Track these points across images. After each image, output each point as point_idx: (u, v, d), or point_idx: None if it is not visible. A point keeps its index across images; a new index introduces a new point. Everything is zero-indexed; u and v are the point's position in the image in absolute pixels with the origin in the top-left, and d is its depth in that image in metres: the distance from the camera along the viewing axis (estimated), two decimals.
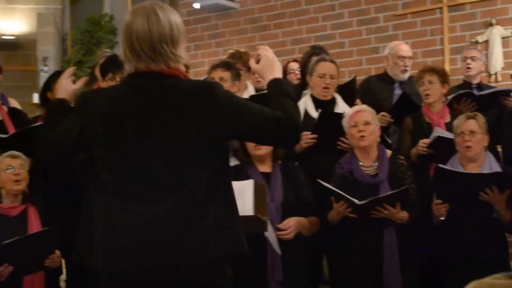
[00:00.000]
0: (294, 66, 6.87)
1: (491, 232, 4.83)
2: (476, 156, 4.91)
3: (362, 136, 4.88)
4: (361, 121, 4.89)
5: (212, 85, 2.84)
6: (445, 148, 5.11)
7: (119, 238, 2.75)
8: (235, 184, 3.21)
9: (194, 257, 2.73)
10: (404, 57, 6.39)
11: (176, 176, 2.75)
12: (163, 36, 2.80)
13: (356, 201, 4.59)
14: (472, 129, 4.88)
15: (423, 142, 5.32)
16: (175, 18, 2.88)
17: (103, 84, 5.32)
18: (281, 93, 2.89)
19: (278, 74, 2.98)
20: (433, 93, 5.55)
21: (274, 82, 2.94)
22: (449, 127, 5.40)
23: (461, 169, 4.88)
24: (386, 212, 4.65)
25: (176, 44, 2.85)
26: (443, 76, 5.60)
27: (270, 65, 2.98)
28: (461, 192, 4.73)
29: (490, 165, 4.91)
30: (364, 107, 5.06)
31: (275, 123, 2.81)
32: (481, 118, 4.96)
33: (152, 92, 2.81)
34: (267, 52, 3.03)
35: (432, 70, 5.60)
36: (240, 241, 2.86)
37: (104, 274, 2.83)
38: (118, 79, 5.12)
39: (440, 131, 5.28)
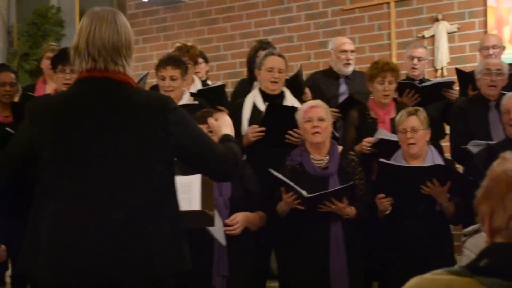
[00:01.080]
0: None
1: (435, 225, 4.89)
2: (419, 151, 4.97)
3: (316, 132, 4.90)
4: (316, 117, 4.91)
5: (166, 100, 2.88)
6: (388, 149, 5.16)
7: (63, 252, 2.73)
8: (182, 179, 3.21)
9: (139, 276, 2.74)
10: (345, 51, 6.41)
11: (122, 191, 2.75)
12: (120, 44, 2.83)
13: (304, 193, 4.62)
14: (414, 126, 4.93)
15: (367, 141, 5.34)
16: (128, 25, 2.92)
17: (54, 76, 5.27)
18: (229, 139, 3.17)
19: (230, 132, 3.29)
20: (391, 93, 5.60)
21: (226, 135, 3.22)
22: (393, 122, 5.44)
23: (404, 164, 4.94)
24: (333, 207, 4.68)
25: (130, 52, 2.89)
26: (398, 74, 5.65)
27: (226, 125, 3.34)
28: (404, 186, 4.79)
29: (432, 158, 4.98)
30: (319, 102, 5.07)
31: (218, 153, 2.97)
32: (422, 113, 5.01)
33: (104, 101, 2.81)
34: (224, 116, 3.51)
35: (393, 69, 5.60)
36: (185, 258, 2.89)
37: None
38: (68, 71, 5.08)
39: (383, 133, 5.30)
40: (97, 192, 2.74)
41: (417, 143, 4.94)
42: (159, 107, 2.81)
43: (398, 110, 5.45)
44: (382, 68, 5.58)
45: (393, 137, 5.20)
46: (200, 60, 6.92)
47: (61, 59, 5.16)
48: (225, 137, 3.19)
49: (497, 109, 5.55)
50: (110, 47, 2.81)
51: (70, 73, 4.99)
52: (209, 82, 6.98)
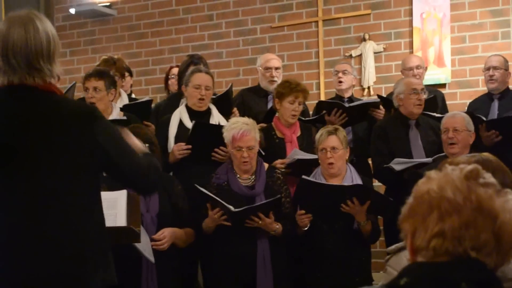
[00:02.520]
0: (176, 71, 6.82)
1: (353, 243, 4.95)
2: (338, 170, 5.03)
3: (245, 162, 4.89)
4: (245, 146, 4.88)
5: (91, 110, 2.85)
6: (303, 168, 5.21)
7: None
8: (108, 194, 3.18)
9: None
10: (270, 68, 6.44)
11: (48, 205, 2.71)
12: (40, 51, 2.75)
13: (231, 208, 4.62)
14: (334, 145, 4.99)
15: (280, 163, 5.33)
16: (52, 30, 2.82)
17: None
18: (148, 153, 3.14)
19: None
20: (299, 114, 5.62)
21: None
22: (300, 141, 5.49)
23: (323, 182, 4.98)
24: (260, 222, 4.69)
25: (52, 58, 2.80)
26: (308, 96, 5.67)
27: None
28: (324, 203, 4.84)
29: (351, 177, 5.05)
30: (250, 127, 4.94)
31: (142, 165, 2.93)
32: (341, 132, 5.08)
33: (27, 110, 2.75)
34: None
35: (304, 90, 5.59)
36: (111, 274, 2.85)
37: None
38: None
39: (298, 153, 5.32)
40: (23, 207, 2.69)
41: (336, 162, 5.00)
42: (85, 117, 2.77)
43: (302, 130, 5.53)
44: (295, 89, 5.57)
45: (309, 156, 5.25)
46: (126, 73, 6.88)
47: None
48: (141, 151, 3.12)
49: (417, 127, 5.67)
50: (28, 54, 2.73)
51: None
52: (133, 96, 6.92)
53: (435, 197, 1.70)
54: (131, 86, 7.22)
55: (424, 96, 5.73)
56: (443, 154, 5.22)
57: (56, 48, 2.82)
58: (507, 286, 2.59)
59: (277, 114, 5.70)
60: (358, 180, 5.03)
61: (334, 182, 5.02)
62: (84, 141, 2.75)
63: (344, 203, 4.79)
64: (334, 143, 4.98)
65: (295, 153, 5.32)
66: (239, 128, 4.91)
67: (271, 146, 5.56)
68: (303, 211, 4.86)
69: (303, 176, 4.91)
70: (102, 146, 2.78)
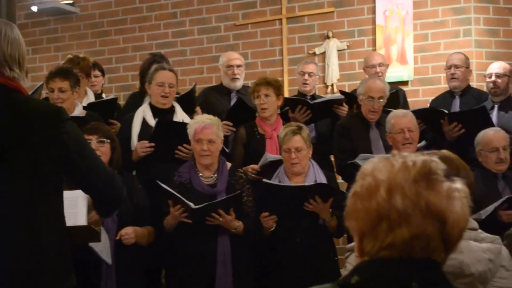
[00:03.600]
0: None
1: (319, 238, 4.96)
2: (302, 169, 5.04)
3: (206, 155, 4.89)
4: (206, 139, 4.89)
5: (59, 111, 2.82)
6: (274, 167, 5.22)
7: None
8: (69, 194, 3.16)
9: None
10: (232, 66, 6.44)
11: (9, 205, 2.69)
12: (13, 56, 2.78)
13: (191, 204, 4.62)
14: (298, 146, 4.99)
15: (252, 168, 5.35)
16: (20, 36, 2.85)
17: None
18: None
19: None
20: (270, 106, 5.61)
21: None
22: None
23: (287, 181, 5.01)
24: (221, 219, 4.69)
25: (22, 62, 2.83)
26: (278, 89, 5.66)
27: None
28: (288, 203, 4.85)
29: (314, 175, 5.06)
30: (212, 121, 4.99)
31: (106, 174, 2.94)
32: (305, 131, 5.08)
33: None
34: None
35: (268, 83, 5.63)
36: (69, 276, 2.84)
37: None
38: None
39: (269, 156, 5.34)
40: None
41: (300, 162, 5.01)
42: (52, 118, 2.76)
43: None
44: (257, 83, 5.66)
45: (279, 157, 5.27)
46: (98, 73, 6.84)
47: None
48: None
49: (377, 127, 5.71)
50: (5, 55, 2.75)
51: None
52: (104, 95, 6.88)
53: (384, 206, 1.68)
54: (102, 85, 7.17)
55: (382, 103, 5.75)
56: None
57: (24, 52, 2.85)
58: (465, 282, 2.63)
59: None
60: (321, 176, 5.05)
61: (297, 180, 5.04)
62: (49, 142, 2.73)
63: (307, 202, 4.80)
64: (298, 143, 4.99)
65: (266, 157, 5.32)
66: (201, 122, 4.96)
67: (253, 142, 5.62)
68: (267, 213, 4.86)
69: (264, 180, 4.92)
70: (68, 149, 2.76)
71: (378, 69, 6.57)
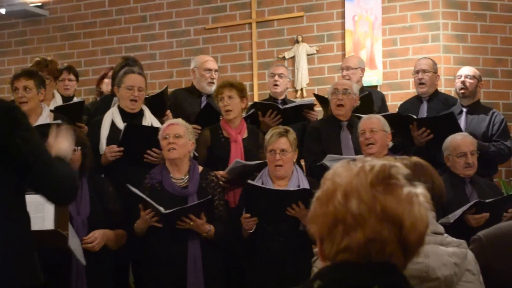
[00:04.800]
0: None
1: (298, 245, 4.95)
2: (286, 172, 5.04)
3: (172, 148, 4.88)
4: (172, 133, 4.89)
5: (12, 109, 2.79)
6: (246, 173, 5.23)
7: None
8: (36, 198, 3.13)
9: None
10: (210, 70, 6.41)
11: None
12: None
13: (162, 209, 4.60)
14: (284, 148, 4.98)
15: (221, 175, 5.32)
16: None
17: None
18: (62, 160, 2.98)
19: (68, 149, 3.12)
20: (234, 108, 5.59)
21: (60, 157, 2.99)
22: (246, 142, 5.51)
23: (270, 183, 5.00)
24: (192, 223, 4.68)
25: None
26: (241, 91, 5.64)
27: (63, 143, 3.09)
28: (269, 207, 4.84)
29: (298, 179, 5.05)
30: (179, 120, 5.06)
31: (57, 173, 2.85)
32: (292, 134, 5.08)
33: None
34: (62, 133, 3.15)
35: (231, 85, 5.61)
36: (36, 273, 2.81)
37: None
38: None
39: (239, 162, 5.34)
40: None
41: (284, 165, 5.00)
42: (5, 117, 2.72)
43: (250, 132, 5.59)
44: (219, 86, 5.67)
45: (250, 163, 5.28)
46: (72, 77, 6.79)
47: None
48: (59, 158, 3.00)
49: (348, 128, 5.74)
50: None
51: None
52: (75, 99, 6.83)
53: (340, 210, 1.70)
54: (75, 90, 7.11)
55: (348, 95, 5.77)
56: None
57: None
58: (431, 286, 2.65)
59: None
60: (304, 182, 5.03)
61: (281, 183, 5.03)
62: (2, 142, 2.70)
63: (289, 207, 4.80)
64: (284, 145, 4.99)
65: (237, 162, 5.31)
66: (169, 121, 5.01)
67: (217, 145, 5.59)
68: (248, 215, 4.85)
69: (248, 181, 4.91)
70: (20, 149, 2.73)
71: (344, 72, 6.63)
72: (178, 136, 4.90)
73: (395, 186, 1.70)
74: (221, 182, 5.22)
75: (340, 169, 1.76)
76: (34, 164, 2.77)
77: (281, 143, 4.99)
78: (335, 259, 1.72)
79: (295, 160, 5.12)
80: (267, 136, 5.09)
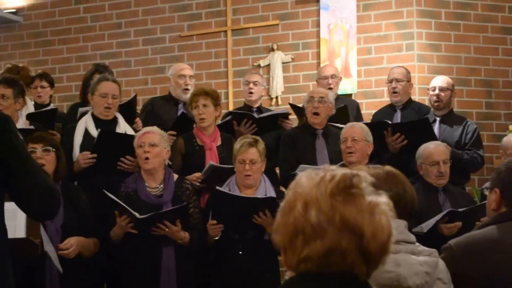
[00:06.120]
0: None
1: (262, 253, 4.95)
2: (254, 182, 5.05)
3: (146, 158, 4.87)
4: (147, 142, 4.88)
5: (5, 119, 2.76)
6: (220, 177, 5.23)
7: None
8: (8, 205, 3.10)
9: None
10: (184, 76, 6.41)
11: None
12: None
13: (137, 214, 4.60)
14: (253, 158, 5.00)
15: (197, 177, 5.34)
16: None
17: None
18: None
19: None
20: (208, 117, 5.59)
21: None
22: (220, 150, 5.51)
23: (237, 191, 5.01)
24: (167, 229, 4.68)
25: None
26: (216, 99, 5.65)
27: None
28: (236, 214, 4.85)
29: (265, 188, 5.07)
30: (154, 128, 5.05)
31: (44, 184, 2.78)
32: (261, 144, 5.09)
33: None
34: None
35: (206, 93, 5.61)
36: (8, 284, 2.79)
37: None
38: None
39: (213, 164, 5.33)
40: None
41: (253, 174, 5.01)
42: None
43: (223, 140, 5.58)
44: (194, 94, 5.66)
45: (225, 166, 5.27)
46: (45, 84, 6.75)
47: None
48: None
49: (324, 137, 5.76)
50: None
51: None
52: (52, 106, 6.78)
53: (299, 220, 1.71)
54: (51, 96, 7.05)
55: (324, 103, 5.79)
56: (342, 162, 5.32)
57: None
58: None
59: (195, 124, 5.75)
60: (271, 191, 5.06)
61: (248, 192, 5.04)
62: None
63: (256, 215, 4.80)
64: (253, 155, 5.00)
65: (210, 165, 5.31)
66: (144, 129, 5.03)
67: (191, 153, 5.58)
68: (214, 221, 4.85)
69: (217, 187, 4.92)
70: (5, 156, 2.70)
71: (330, 80, 6.63)
72: (154, 144, 4.90)
73: (356, 195, 1.71)
74: (197, 184, 5.23)
75: (303, 179, 1.78)
76: (18, 172, 2.74)
77: (251, 153, 5.00)
78: (297, 269, 1.73)
79: (263, 169, 5.13)
80: (237, 146, 5.10)
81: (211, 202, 5.03)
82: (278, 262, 5.19)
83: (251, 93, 6.59)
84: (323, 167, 1.81)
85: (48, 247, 4.15)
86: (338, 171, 1.76)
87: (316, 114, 5.79)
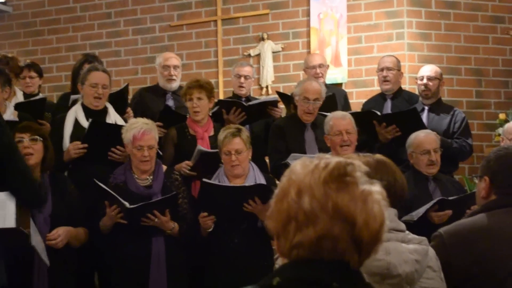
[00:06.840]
0: None
1: (257, 241, 4.96)
2: (243, 171, 5.05)
3: (146, 161, 4.86)
4: (146, 145, 4.86)
5: None
6: (210, 162, 5.21)
7: None
8: None
9: None
10: (168, 66, 6.41)
11: None
12: None
13: (127, 204, 4.59)
14: (238, 148, 4.98)
15: (187, 164, 5.34)
16: None
17: None
18: None
19: None
20: (203, 109, 5.59)
21: None
22: (212, 140, 5.50)
23: (226, 182, 5.01)
24: (156, 220, 4.67)
25: None
26: (210, 92, 5.64)
27: None
28: (227, 204, 4.85)
29: (254, 176, 5.07)
30: (150, 127, 4.96)
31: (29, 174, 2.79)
32: (244, 133, 5.09)
33: None
34: None
35: (201, 86, 5.59)
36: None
37: None
38: None
39: (202, 149, 5.32)
40: None
41: (240, 164, 5.01)
42: None
43: (216, 130, 5.53)
44: (189, 86, 5.62)
45: (212, 151, 5.27)
46: (34, 74, 6.72)
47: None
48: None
49: (312, 128, 5.76)
50: None
51: None
52: (41, 95, 6.77)
53: (292, 207, 1.73)
54: (40, 86, 7.03)
55: (318, 104, 5.79)
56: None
57: None
58: (392, 282, 2.67)
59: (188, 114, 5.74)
60: (261, 179, 5.06)
61: (237, 182, 5.04)
62: None
63: (246, 203, 4.80)
64: (238, 145, 4.98)
65: (198, 148, 5.31)
66: (139, 128, 4.91)
67: (184, 143, 5.58)
68: (205, 214, 4.85)
69: (204, 179, 4.91)
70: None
71: (318, 70, 6.63)
72: (152, 147, 4.89)
73: (350, 183, 1.72)
74: (187, 171, 5.22)
75: (297, 167, 1.79)
76: (7, 159, 2.74)
77: (235, 143, 4.99)
78: (290, 255, 1.74)
79: (250, 157, 5.13)
80: (220, 137, 5.07)
81: (201, 194, 5.01)
82: (273, 250, 5.20)
83: (241, 87, 6.56)
84: (318, 155, 1.82)
85: (36, 239, 4.14)
86: (333, 159, 1.77)
87: (309, 113, 5.80)
